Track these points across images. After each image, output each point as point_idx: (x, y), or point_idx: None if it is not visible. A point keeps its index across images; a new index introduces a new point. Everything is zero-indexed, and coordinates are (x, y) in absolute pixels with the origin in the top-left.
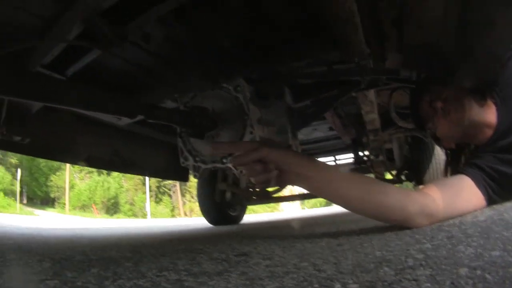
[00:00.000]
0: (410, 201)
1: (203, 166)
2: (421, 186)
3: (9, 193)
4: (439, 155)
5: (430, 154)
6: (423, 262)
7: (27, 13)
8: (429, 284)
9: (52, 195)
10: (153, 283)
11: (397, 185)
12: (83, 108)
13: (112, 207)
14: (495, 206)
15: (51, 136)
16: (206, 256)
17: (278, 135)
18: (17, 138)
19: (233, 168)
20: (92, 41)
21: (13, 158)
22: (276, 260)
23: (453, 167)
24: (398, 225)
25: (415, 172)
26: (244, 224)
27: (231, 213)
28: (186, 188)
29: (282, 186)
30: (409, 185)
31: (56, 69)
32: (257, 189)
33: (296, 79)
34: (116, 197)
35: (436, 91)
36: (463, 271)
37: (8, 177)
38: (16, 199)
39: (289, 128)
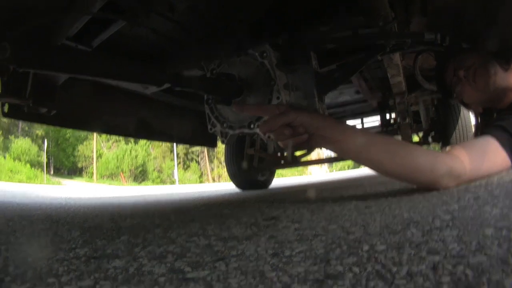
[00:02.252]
0: (439, 163)
1: (230, 132)
2: (448, 148)
3: (36, 164)
4: (465, 116)
5: (456, 116)
6: (450, 223)
7: None
8: (455, 245)
9: (79, 165)
10: (183, 249)
11: (424, 146)
12: (109, 78)
13: (140, 175)
14: None
15: (77, 106)
16: (235, 220)
17: (305, 100)
18: (44, 110)
19: (260, 134)
20: (117, 13)
21: (39, 130)
22: (304, 224)
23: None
24: (425, 187)
25: (442, 134)
26: (273, 189)
27: (259, 178)
28: (214, 154)
29: (310, 149)
30: (436, 146)
31: (81, 41)
32: (285, 154)
33: (322, 44)
34: (144, 165)
35: (460, 59)
36: (489, 231)
37: (35, 148)
38: (43, 170)
39: (315, 92)
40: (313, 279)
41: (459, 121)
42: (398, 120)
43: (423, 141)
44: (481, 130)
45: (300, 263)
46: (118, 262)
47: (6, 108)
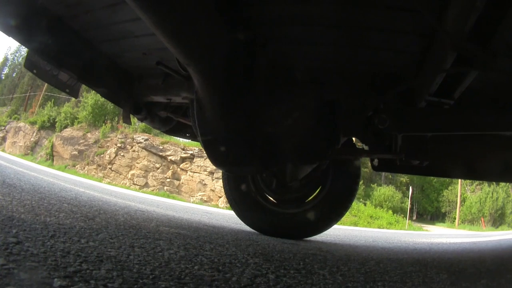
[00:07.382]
0: None
1: None
2: None
3: (399, 210)
4: None
5: None
6: None
7: (396, 52)
8: None
9: (442, 210)
10: None
11: None
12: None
13: (498, 219)
14: None
15: (443, 155)
16: None
17: None
18: (416, 162)
19: None
20: (467, 65)
21: (403, 177)
22: None
23: None
24: None
25: None
26: None
27: None
28: None
29: None
30: None
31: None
32: None
33: None
34: (502, 207)
35: None
36: None
37: (398, 195)
38: (405, 216)
39: None
40: None
41: None
42: None
43: None
44: None
45: None
46: None
47: (375, 162)
